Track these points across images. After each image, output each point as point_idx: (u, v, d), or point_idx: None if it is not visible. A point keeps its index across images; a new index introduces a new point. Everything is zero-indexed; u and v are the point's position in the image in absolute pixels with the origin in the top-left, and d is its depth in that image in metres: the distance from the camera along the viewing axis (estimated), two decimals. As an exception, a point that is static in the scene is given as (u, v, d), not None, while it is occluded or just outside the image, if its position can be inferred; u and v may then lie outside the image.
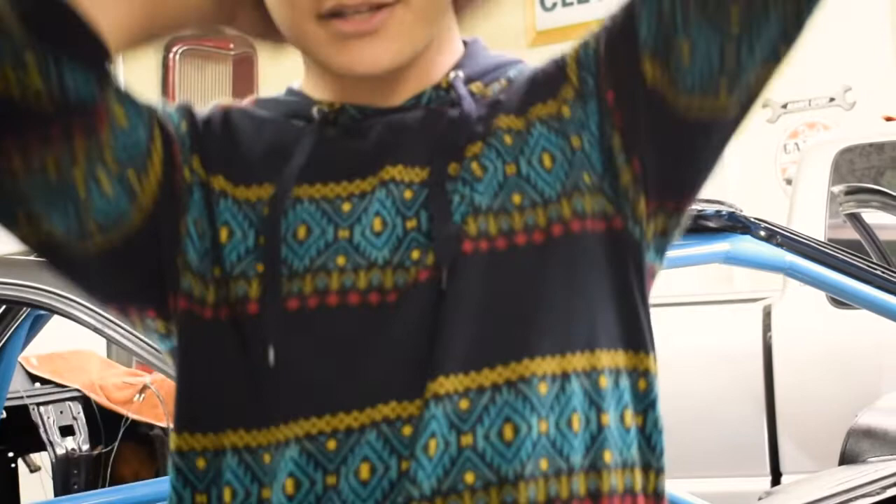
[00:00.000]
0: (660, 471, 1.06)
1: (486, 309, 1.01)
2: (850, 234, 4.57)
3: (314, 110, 1.08)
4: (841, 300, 4.08)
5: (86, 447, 4.21)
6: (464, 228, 1.02)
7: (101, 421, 4.30)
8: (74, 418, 4.25)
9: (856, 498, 2.70)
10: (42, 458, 4.40)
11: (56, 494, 4.09)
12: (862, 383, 4.34)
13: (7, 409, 3.85)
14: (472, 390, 1.00)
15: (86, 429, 4.25)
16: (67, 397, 4.30)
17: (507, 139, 1.05)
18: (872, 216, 4.51)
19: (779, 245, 2.89)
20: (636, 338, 1.05)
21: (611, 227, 1.05)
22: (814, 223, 4.65)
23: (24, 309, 2.85)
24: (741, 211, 2.87)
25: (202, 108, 1.11)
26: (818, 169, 4.91)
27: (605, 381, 1.03)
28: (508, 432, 0.99)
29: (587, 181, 1.04)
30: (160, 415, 4.32)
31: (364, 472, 0.99)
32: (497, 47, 1.14)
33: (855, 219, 4.50)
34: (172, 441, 1.06)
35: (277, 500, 1.01)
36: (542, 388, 1.00)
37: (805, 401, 4.51)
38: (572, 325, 1.02)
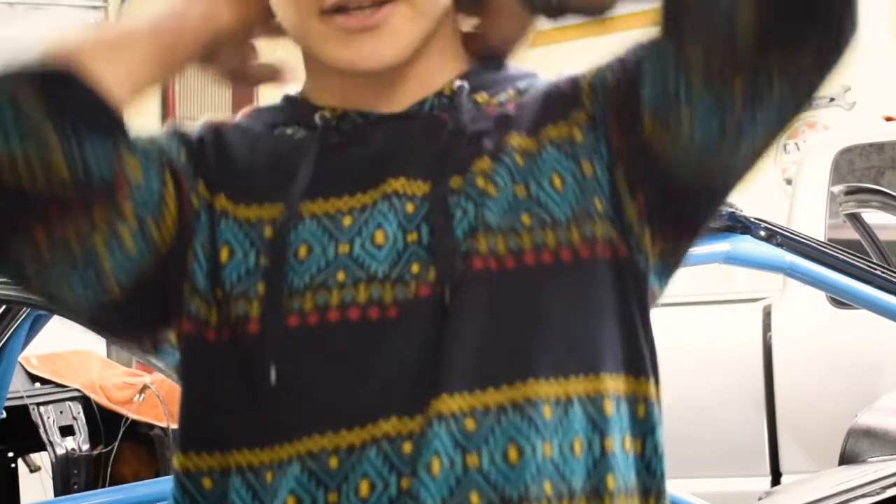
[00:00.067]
0: (660, 494, 1.06)
1: (491, 328, 1.01)
2: (850, 234, 4.57)
3: (316, 117, 1.08)
4: (841, 300, 4.08)
5: (86, 447, 4.21)
6: (472, 245, 1.02)
7: (101, 421, 4.30)
8: (74, 418, 4.25)
9: (856, 498, 2.70)
10: (42, 458, 4.40)
11: (56, 494, 4.09)
12: (862, 383, 4.34)
13: (7, 409, 3.84)
14: (478, 410, 0.99)
15: (86, 429, 4.25)
16: (67, 397, 4.30)
17: (519, 159, 1.05)
18: (872, 216, 4.51)
19: (779, 245, 2.89)
20: (637, 363, 1.05)
21: (616, 255, 1.04)
22: (814, 223, 4.65)
23: (24, 309, 2.85)
24: (741, 211, 2.87)
25: (191, 127, 1.11)
26: (818, 169, 4.91)
27: (607, 406, 1.02)
28: (513, 454, 0.99)
29: (598, 208, 1.04)
30: (160, 415, 4.32)
31: (364, 489, 0.99)
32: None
33: (855, 219, 4.50)
34: (177, 460, 1.06)
35: None
36: (547, 411, 1.00)
37: (805, 401, 4.51)
38: (576, 349, 1.02)
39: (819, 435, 4.36)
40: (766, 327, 4.68)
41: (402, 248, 1.03)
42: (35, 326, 3.05)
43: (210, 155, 1.08)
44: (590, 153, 1.05)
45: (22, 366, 4.18)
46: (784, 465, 4.63)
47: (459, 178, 1.04)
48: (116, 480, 4.14)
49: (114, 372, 4.59)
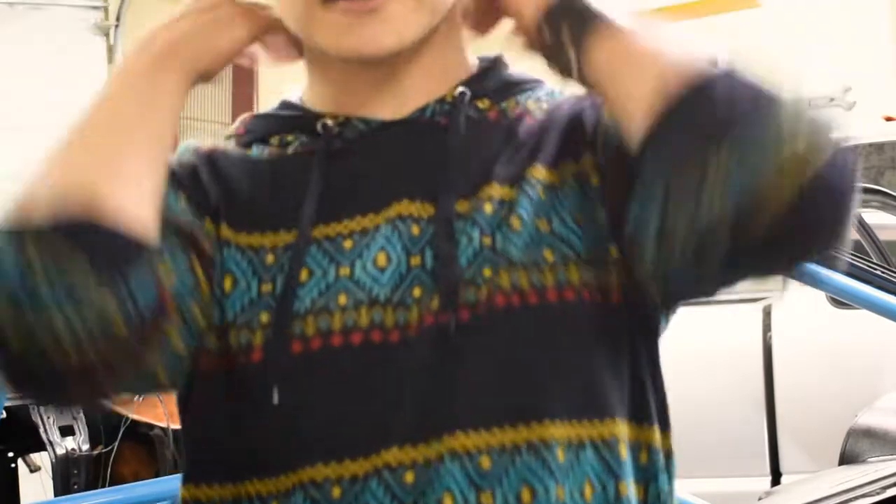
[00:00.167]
0: None
1: (508, 364, 1.00)
2: (850, 234, 4.56)
3: (318, 125, 1.08)
4: (841, 300, 4.08)
5: (86, 447, 4.21)
6: (491, 278, 1.01)
7: (101, 421, 4.30)
8: (74, 418, 4.25)
9: (856, 498, 2.70)
10: (42, 458, 4.40)
11: (56, 494, 4.09)
12: (862, 383, 4.34)
13: (7, 409, 3.85)
14: (493, 449, 0.99)
15: (86, 429, 4.25)
16: (67, 397, 4.29)
17: (542, 192, 1.04)
18: (872, 216, 4.51)
19: (779, 245, 2.88)
20: (641, 410, 1.05)
21: (629, 301, 1.04)
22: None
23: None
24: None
25: (179, 157, 1.09)
26: (818, 169, 4.90)
27: (622, 450, 1.02)
28: (526, 496, 0.99)
29: (613, 254, 1.03)
30: (160, 415, 4.32)
31: None
32: (495, 48, 1.13)
33: (855, 219, 4.50)
34: (186, 492, 1.05)
35: None
36: (560, 454, 1.00)
37: (805, 401, 4.51)
38: (591, 392, 1.02)
39: (819, 435, 4.37)
40: (766, 327, 4.68)
41: (404, 271, 1.02)
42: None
43: (208, 185, 1.07)
44: (602, 199, 1.04)
45: (22, 366, 4.18)
46: (784, 465, 4.63)
47: (466, 203, 1.03)
48: (116, 480, 4.14)
49: (114, 372, 4.58)
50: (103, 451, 4.24)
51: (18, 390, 0.99)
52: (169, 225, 1.02)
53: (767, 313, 4.68)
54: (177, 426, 3.87)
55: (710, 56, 0.95)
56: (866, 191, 4.41)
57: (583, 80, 1.00)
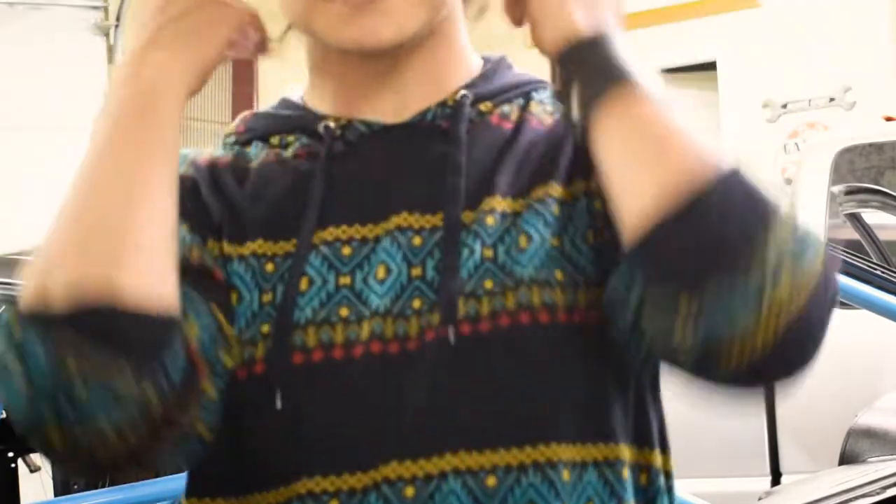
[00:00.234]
0: None
1: (511, 383, 1.00)
2: (850, 234, 4.57)
3: (320, 126, 1.07)
4: (841, 300, 4.08)
5: (86, 447, 4.21)
6: (496, 295, 1.00)
7: (101, 421, 4.30)
8: (74, 418, 4.25)
9: (856, 498, 2.70)
10: (42, 458, 4.40)
11: (56, 494, 4.09)
12: (862, 383, 4.34)
13: (7, 409, 3.84)
14: (499, 468, 0.98)
15: (86, 429, 4.25)
16: (67, 397, 4.29)
17: (556, 209, 1.03)
18: (872, 216, 4.51)
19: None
20: (644, 434, 1.05)
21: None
22: (814, 223, 4.64)
23: (24, 309, 2.84)
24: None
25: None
26: (818, 169, 4.91)
27: (621, 472, 1.02)
28: None
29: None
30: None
31: None
32: (495, 49, 1.13)
33: (855, 219, 4.51)
34: None
35: None
36: (566, 474, 1.00)
37: (805, 401, 4.51)
38: (597, 414, 1.02)
39: (819, 435, 4.36)
40: (767, 327, 4.67)
41: (405, 281, 1.01)
42: (35, 326, 3.05)
43: (208, 200, 1.06)
44: (607, 223, 1.02)
45: (22, 366, 4.18)
46: (784, 465, 4.63)
47: (468, 214, 1.02)
48: (116, 481, 4.14)
49: (114, 372, 4.58)
50: (103, 451, 4.24)
51: (67, 474, 0.98)
52: (182, 269, 0.99)
53: (767, 313, 4.67)
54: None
55: (713, 151, 0.93)
56: (866, 191, 4.41)
57: (584, 139, 0.98)
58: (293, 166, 1.07)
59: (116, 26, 7.67)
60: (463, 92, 1.07)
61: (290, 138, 1.09)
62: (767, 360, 0.91)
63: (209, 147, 1.12)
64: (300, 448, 1.00)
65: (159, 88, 0.98)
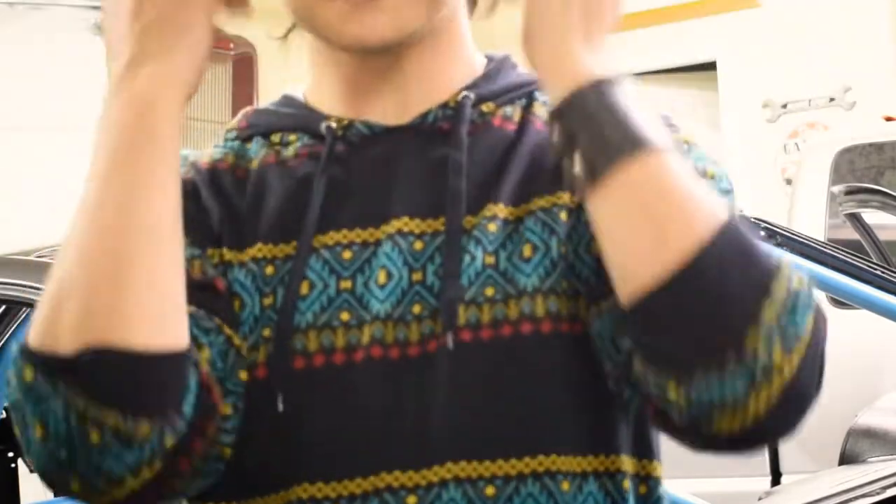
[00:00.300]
0: None
1: (512, 393, 0.99)
2: (850, 234, 4.57)
3: (322, 127, 1.07)
4: (841, 300, 4.08)
5: (86, 447, 4.21)
6: (499, 303, 0.99)
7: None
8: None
9: (856, 498, 2.70)
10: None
11: (63, 495, 4.09)
12: (862, 383, 4.34)
13: (7, 409, 3.84)
14: (498, 478, 0.98)
15: (86, 429, 4.24)
16: (67, 397, 4.28)
17: (564, 216, 1.02)
18: (872, 216, 4.51)
19: (779, 245, 2.89)
20: (645, 446, 1.05)
21: None
22: (814, 223, 4.65)
23: (24, 309, 2.85)
24: (741, 211, 2.87)
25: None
26: (818, 169, 4.91)
27: (621, 483, 1.02)
28: None
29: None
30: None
31: None
32: (496, 47, 1.13)
33: (855, 219, 4.51)
34: None
35: None
36: (566, 485, 0.99)
37: (805, 401, 4.50)
38: (599, 426, 1.02)
39: (819, 435, 4.36)
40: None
41: (406, 286, 1.01)
42: (35, 326, 3.05)
43: (208, 204, 1.06)
44: None
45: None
46: (784, 465, 4.62)
47: (469, 219, 1.02)
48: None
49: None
50: (103, 451, 4.24)
51: None
52: (188, 288, 0.97)
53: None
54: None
55: (714, 213, 0.91)
56: (866, 191, 4.41)
57: (580, 198, 0.95)
58: (294, 167, 1.07)
59: (116, 26, 7.65)
60: (465, 93, 1.07)
61: (292, 137, 1.08)
62: (761, 424, 0.91)
63: (209, 147, 1.12)
64: (300, 453, 1.00)
65: (155, 105, 0.95)
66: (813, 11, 7.24)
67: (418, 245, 1.02)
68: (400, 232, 1.02)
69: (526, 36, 0.96)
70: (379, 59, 1.05)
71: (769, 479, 4.60)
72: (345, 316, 1.01)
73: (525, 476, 0.99)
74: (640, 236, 0.90)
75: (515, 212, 1.02)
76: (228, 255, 1.04)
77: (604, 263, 0.95)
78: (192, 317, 0.97)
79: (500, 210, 1.02)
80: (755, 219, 2.93)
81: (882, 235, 4.54)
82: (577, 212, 1.02)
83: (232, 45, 7.10)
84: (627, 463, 1.02)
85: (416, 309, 1.00)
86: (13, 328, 2.99)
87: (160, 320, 0.92)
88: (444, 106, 1.06)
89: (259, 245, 1.04)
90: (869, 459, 3.41)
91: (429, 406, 0.99)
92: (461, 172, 1.03)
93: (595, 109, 0.92)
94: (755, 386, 0.89)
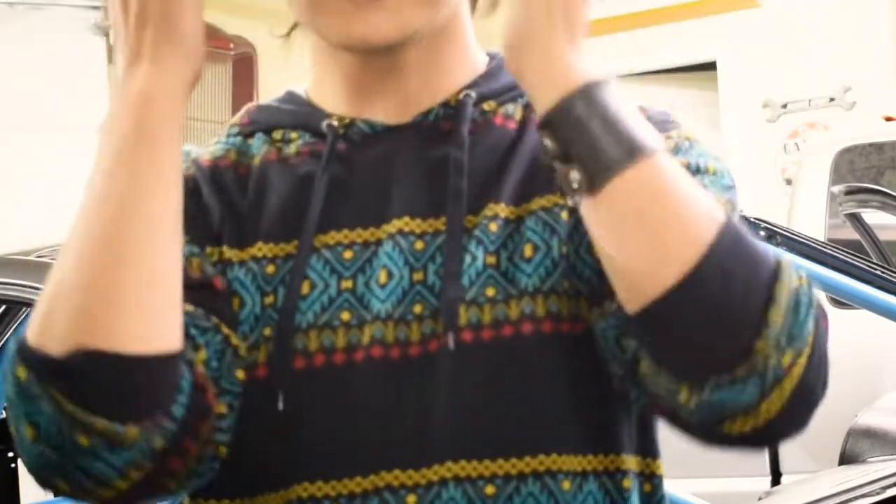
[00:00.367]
0: None
1: (513, 394, 0.99)
2: (850, 234, 4.57)
3: (323, 125, 1.07)
4: (841, 300, 4.08)
5: (86, 447, 4.20)
6: (500, 303, 0.99)
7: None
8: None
9: (856, 498, 2.70)
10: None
11: (56, 494, 4.09)
12: (862, 383, 4.34)
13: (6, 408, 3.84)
14: (498, 477, 0.98)
15: (86, 429, 4.24)
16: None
17: (565, 215, 1.02)
18: (872, 216, 4.51)
19: (779, 245, 2.89)
20: (648, 444, 1.05)
21: None
22: (814, 223, 4.65)
23: (24, 309, 2.85)
24: (741, 211, 2.87)
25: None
26: (818, 169, 4.91)
27: (623, 482, 1.02)
28: None
29: None
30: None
31: None
32: (497, 46, 1.13)
33: (855, 219, 4.51)
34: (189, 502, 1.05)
35: None
36: (566, 485, 0.99)
37: (805, 401, 4.50)
38: (600, 425, 1.02)
39: (819, 435, 4.35)
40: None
41: (407, 286, 1.01)
42: (35, 326, 3.05)
43: (209, 201, 1.06)
44: None
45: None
46: (784, 465, 4.62)
47: (470, 219, 1.02)
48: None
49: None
50: (103, 451, 4.24)
51: None
52: (183, 286, 0.97)
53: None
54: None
55: (715, 217, 0.90)
56: (866, 191, 4.41)
57: (574, 204, 0.93)
58: (295, 165, 1.06)
59: (116, 26, 7.66)
60: (466, 91, 1.07)
61: (293, 135, 1.08)
62: (772, 424, 0.91)
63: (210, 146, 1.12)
64: (301, 452, 1.00)
65: (152, 103, 0.94)
66: (813, 11, 7.23)
67: (419, 245, 1.02)
68: (401, 231, 1.02)
69: (509, 43, 0.94)
70: (381, 59, 1.04)
71: (769, 479, 4.60)
72: (345, 316, 1.01)
73: (525, 475, 0.99)
74: (639, 245, 0.90)
75: (516, 211, 1.02)
76: (229, 252, 1.04)
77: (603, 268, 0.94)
78: (189, 316, 0.97)
79: (502, 209, 1.02)
80: (755, 219, 2.93)
81: (882, 235, 4.54)
82: (578, 211, 1.02)
83: (232, 45, 7.10)
84: (630, 461, 1.02)
85: (417, 309, 1.00)
86: (13, 328, 3.00)
87: (154, 321, 0.92)
88: (446, 105, 1.06)
89: (260, 244, 1.04)
90: (869, 459, 3.41)
91: (429, 406, 0.99)
92: (462, 172, 1.03)
93: (586, 117, 0.90)
94: (766, 390, 0.89)
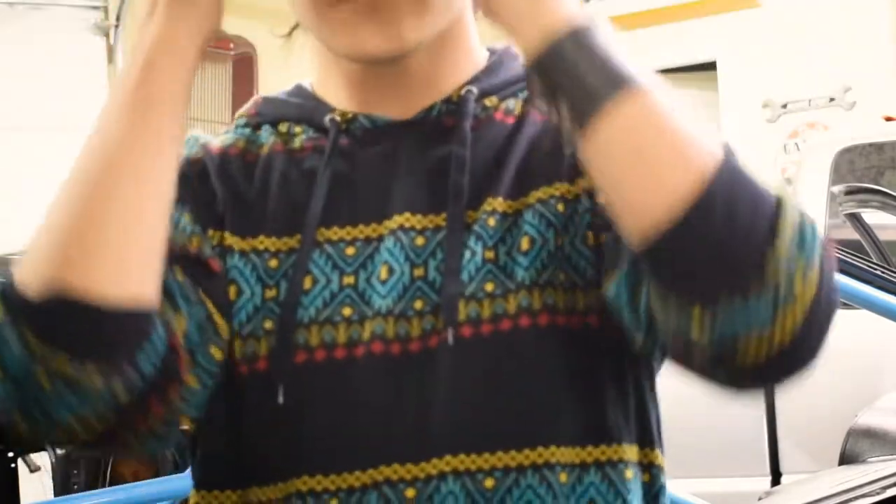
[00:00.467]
0: None
1: (512, 387, 1.00)
2: (850, 234, 4.57)
3: (326, 119, 1.07)
4: (841, 300, 4.08)
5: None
6: (498, 298, 1.00)
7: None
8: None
9: (856, 498, 2.70)
10: (42, 458, 4.40)
11: (56, 494, 4.09)
12: (862, 383, 4.34)
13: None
14: (497, 470, 0.99)
15: (86, 429, 4.24)
16: (67, 397, 4.28)
17: (561, 207, 1.02)
18: (872, 216, 4.51)
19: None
20: (646, 434, 1.05)
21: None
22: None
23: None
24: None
25: (186, 153, 1.06)
26: (818, 169, 4.91)
27: (624, 473, 1.02)
28: None
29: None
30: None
31: None
32: (498, 38, 1.12)
33: (855, 219, 4.51)
34: (194, 498, 1.05)
35: None
36: (564, 476, 1.00)
37: (805, 401, 4.51)
38: (598, 416, 1.02)
39: (819, 435, 4.36)
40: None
41: (408, 282, 1.01)
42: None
43: (215, 185, 1.06)
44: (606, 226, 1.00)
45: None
46: (784, 465, 4.62)
47: (470, 214, 1.02)
48: (116, 480, 4.14)
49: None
50: (103, 451, 4.24)
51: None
52: (176, 256, 0.98)
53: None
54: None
55: (714, 147, 0.90)
56: (866, 191, 4.41)
57: (575, 148, 0.93)
58: (299, 160, 1.07)
59: (116, 26, 7.66)
60: (468, 87, 1.07)
61: (298, 128, 1.09)
62: (786, 351, 0.89)
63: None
64: (301, 446, 1.01)
65: (155, 65, 0.95)
66: (813, 11, 7.24)
67: (420, 241, 1.02)
68: (402, 227, 1.02)
69: None
70: (383, 66, 1.05)
71: (769, 479, 4.60)
72: (347, 311, 1.01)
73: (524, 468, 0.99)
74: (637, 180, 0.89)
75: (514, 205, 1.03)
76: (230, 239, 1.04)
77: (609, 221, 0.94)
78: (179, 284, 0.98)
79: (499, 204, 1.03)
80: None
81: (882, 235, 4.54)
82: (574, 202, 1.02)
83: (232, 45, 7.10)
84: (630, 452, 1.03)
85: (418, 304, 1.01)
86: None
87: (129, 271, 0.92)
88: (448, 101, 1.06)
89: (262, 237, 1.04)
90: (869, 459, 3.41)
91: (429, 401, 0.99)
92: (464, 169, 1.03)
93: (575, 57, 0.89)
94: (779, 310, 0.87)
